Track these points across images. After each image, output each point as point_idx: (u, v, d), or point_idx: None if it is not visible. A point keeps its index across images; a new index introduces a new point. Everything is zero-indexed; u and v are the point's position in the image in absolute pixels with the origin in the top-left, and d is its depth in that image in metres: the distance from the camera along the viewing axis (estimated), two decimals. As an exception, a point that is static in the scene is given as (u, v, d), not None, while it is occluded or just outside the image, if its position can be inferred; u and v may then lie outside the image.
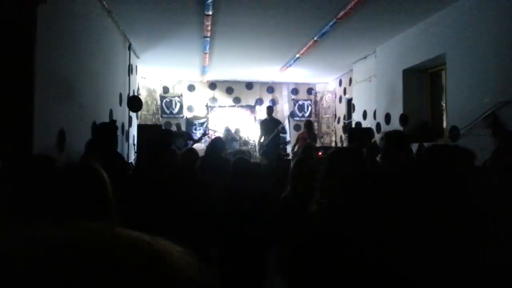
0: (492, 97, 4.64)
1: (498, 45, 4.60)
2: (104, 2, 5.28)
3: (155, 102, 11.33)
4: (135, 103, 6.97)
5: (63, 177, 1.39)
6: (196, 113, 11.58)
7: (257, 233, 2.87)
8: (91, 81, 4.91)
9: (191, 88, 11.57)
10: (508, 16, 4.45)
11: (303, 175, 2.83)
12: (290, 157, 9.03)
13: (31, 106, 3.14)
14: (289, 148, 10.53)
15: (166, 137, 3.55)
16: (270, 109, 8.73)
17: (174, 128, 10.20)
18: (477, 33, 4.98)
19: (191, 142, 9.12)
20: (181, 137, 9.10)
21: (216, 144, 4.43)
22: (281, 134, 8.73)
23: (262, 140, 8.55)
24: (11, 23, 3.07)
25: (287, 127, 11.50)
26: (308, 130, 8.60)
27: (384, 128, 7.54)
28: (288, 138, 11.00)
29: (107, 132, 3.94)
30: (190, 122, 11.38)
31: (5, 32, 3.04)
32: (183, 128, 10.60)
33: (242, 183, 2.95)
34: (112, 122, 4.82)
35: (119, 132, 6.38)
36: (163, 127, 8.36)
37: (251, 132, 11.39)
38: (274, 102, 11.97)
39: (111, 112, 5.89)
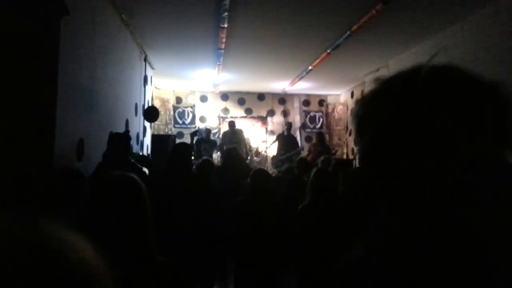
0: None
1: (514, 58, 4.59)
2: (123, 15, 5.40)
3: (168, 112, 11.44)
4: (151, 113, 7.06)
5: (106, 189, 1.37)
6: (208, 123, 11.66)
7: (274, 247, 2.87)
8: (109, 92, 5.00)
9: (203, 98, 11.67)
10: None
11: (324, 186, 2.83)
12: None
13: (54, 115, 3.21)
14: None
15: (184, 150, 3.59)
16: (289, 125, 9.62)
17: (200, 134, 10.04)
18: (492, 46, 4.97)
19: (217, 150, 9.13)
20: (209, 143, 9.07)
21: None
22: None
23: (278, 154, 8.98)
24: (36, 34, 3.17)
25: (298, 138, 11.53)
26: (321, 143, 8.73)
27: (397, 140, 7.51)
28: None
29: (121, 143, 3.99)
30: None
31: (31, 43, 3.13)
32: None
33: (261, 195, 2.97)
34: (126, 132, 4.89)
35: (134, 142, 6.47)
36: (176, 138, 8.40)
37: (262, 143, 11.43)
38: (285, 113, 12.03)
39: (127, 122, 5.97)
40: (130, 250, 1.25)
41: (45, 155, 3.14)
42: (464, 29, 5.58)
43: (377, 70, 8.65)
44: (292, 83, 9.98)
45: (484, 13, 5.13)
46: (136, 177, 1.35)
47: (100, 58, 4.63)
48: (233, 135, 9.32)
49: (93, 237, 1.31)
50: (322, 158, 5.85)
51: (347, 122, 11.45)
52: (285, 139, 9.32)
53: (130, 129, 6.06)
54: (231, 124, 9.61)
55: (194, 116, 11.57)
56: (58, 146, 3.30)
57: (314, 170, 3.02)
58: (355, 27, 5.65)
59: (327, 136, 12.01)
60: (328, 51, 6.91)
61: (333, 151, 10.15)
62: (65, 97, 3.46)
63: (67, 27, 3.45)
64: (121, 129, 5.46)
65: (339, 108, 11.88)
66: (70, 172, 2.20)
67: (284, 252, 3.03)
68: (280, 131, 10.26)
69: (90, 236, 1.32)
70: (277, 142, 9.67)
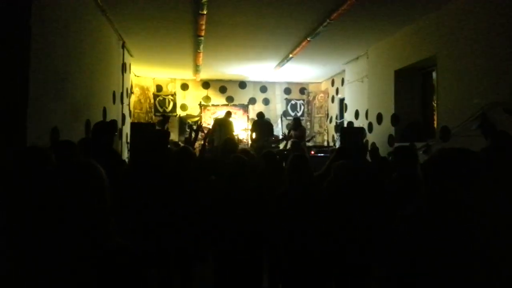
0: (482, 98, 4.73)
1: (488, 47, 4.69)
2: (98, 0, 5.27)
3: (148, 100, 11.32)
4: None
5: (62, 173, 1.41)
6: (189, 111, 11.60)
7: (254, 231, 2.90)
8: (84, 79, 4.90)
9: (184, 86, 11.58)
10: (499, 19, 4.54)
11: (301, 171, 2.87)
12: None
13: (26, 103, 3.14)
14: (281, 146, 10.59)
15: (162, 137, 3.56)
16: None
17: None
18: (467, 35, 5.06)
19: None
20: None
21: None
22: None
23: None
24: (6, 19, 3.07)
25: (279, 126, 11.59)
26: (297, 128, 8.89)
27: (376, 127, 7.62)
28: (280, 137, 11.05)
29: (108, 132, 3.92)
30: (183, 121, 11.40)
31: (1, 28, 3.04)
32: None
33: (238, 181, 2.98)
34: (112, 122, 4.81)
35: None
36: (156, 126, 8.33)
37: (243, 131, 11.44)
38: (267, 101, 12.07)
39: (104, 110, 5.88)
40: (85, 231, 1.33)
41: (17, 144, 3.08)
42: (441, 17, 5.66)
43: (357, 58, 8.72)
44: (273, 71, 9.97)
45: (460, 1, 5.20)
46: (97, 164, 1.40)
47: (75, 44, 4.53)
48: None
49: (54, 216, 1.34)
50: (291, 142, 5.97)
51: (327, 110, 11.54)
52: (262, 126, 9.45)
53: (107, 117, 5.97)
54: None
55: (175, 104, 11.48)
56: (31, 135, 3.23)
57: (291, 156, 3.06)
58: (334, 14, 5.66)
59: (308, 124, 12.10)
60: (308, 38, 6.91)
61: (309, 138, 10.22)
62: (38, 84, 3.37)
63: (39, 12, 3.35)
64: (98, 118, 5.38)
65: (320, 96, 11.95)
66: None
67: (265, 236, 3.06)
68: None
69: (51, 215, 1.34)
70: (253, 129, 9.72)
